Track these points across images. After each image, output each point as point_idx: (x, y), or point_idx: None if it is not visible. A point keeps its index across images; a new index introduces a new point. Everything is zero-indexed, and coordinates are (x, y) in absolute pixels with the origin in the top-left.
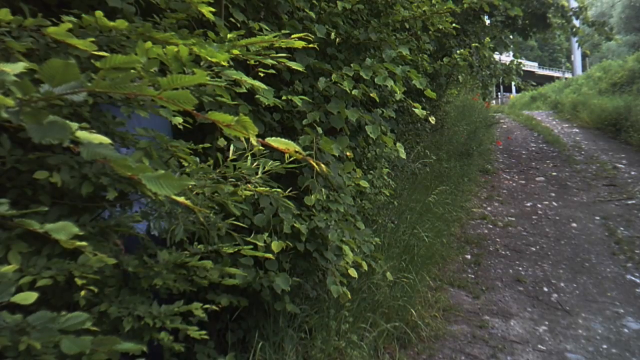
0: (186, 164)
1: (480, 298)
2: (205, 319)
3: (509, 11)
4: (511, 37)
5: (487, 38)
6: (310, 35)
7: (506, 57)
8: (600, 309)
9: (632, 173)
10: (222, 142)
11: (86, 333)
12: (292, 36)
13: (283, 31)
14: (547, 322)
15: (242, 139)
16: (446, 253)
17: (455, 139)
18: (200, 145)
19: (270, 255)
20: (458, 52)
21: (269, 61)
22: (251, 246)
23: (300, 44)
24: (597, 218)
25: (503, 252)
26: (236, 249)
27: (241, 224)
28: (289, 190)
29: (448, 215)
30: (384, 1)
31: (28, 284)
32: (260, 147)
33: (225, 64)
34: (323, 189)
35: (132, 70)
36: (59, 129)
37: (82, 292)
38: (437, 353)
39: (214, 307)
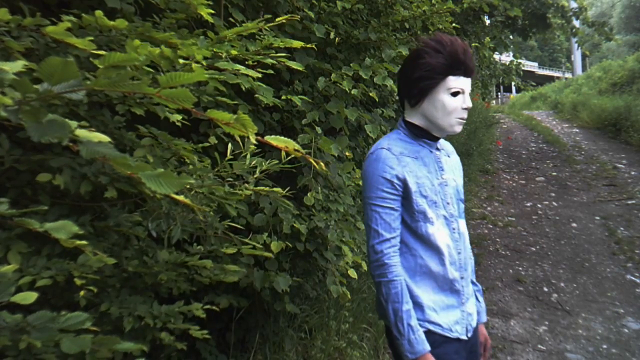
0: (189, 161)
1: None
2: (204, 318)
3: (509, 11)
4: (511, 37)
5: (487, 38)
6: (297, 18)
7: (506, 57)
8: (600, 309)
9: (632, 173)
10: (212, 140)
11: (86, 333)
12: (278, 19)
13: (266, 16)
14: (547, 322)
15: (238, 138)
16: None
17: (455, 138)
18: (200, 145)
19: (269, 254)
20: None
21: (269, 60)
22: (250, 246)
23: (299, 44)
24: (597, 218)
25: (503, 252)
26: (235, 250)
27: (238, 225)
28: (286, 189)
29: None
30: (383, 1)
31: (28, 284)
32: (254, 147)
33: (202, 60)
34: (320, 188)
35: (127, 69)
36: (58, 127)
37: (82, 293)
38: None
39: (214, 307)
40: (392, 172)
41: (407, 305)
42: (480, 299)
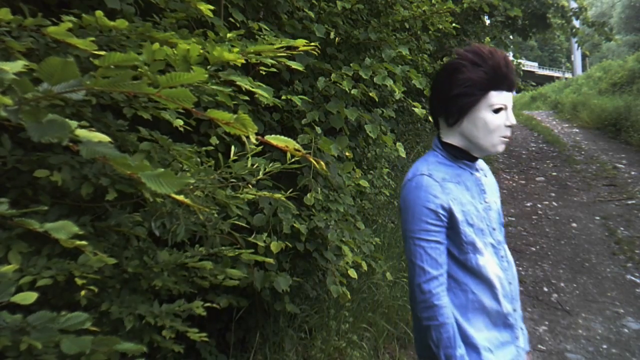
0: (187, 167)
1: None
2: (205, 316)
3: (509, 11)
4: (511, 37)
5: (487, 38)
6: (315, 45)
7: None
8: (600, 309)
9: (632, 173)
10: (214, 140)
11: (86, 333)
12: (297, 42)
13: (289, 41)
14: (547, 322)
15: (244, 138)
16: None
17: None
18: (204, 149)
19: (271, 260)
20: None
21: (270, 60)
22: (252, 250)
23: (301, 42)
24: (597, 218)
25: None
26: (237, 253)
27: (241, 224)
28: (290, 191)
29: None
30: (384, 1)
31: (28, 284)
32: (255, 147)
33: (239, 63)
34: (320, 188)
35: (132, 70)
36: (58, 127)
37: (82, 292)
38: None
39: (215, 305)
40: (437, 201)
41: (461, 350)
42: (523, 326)
